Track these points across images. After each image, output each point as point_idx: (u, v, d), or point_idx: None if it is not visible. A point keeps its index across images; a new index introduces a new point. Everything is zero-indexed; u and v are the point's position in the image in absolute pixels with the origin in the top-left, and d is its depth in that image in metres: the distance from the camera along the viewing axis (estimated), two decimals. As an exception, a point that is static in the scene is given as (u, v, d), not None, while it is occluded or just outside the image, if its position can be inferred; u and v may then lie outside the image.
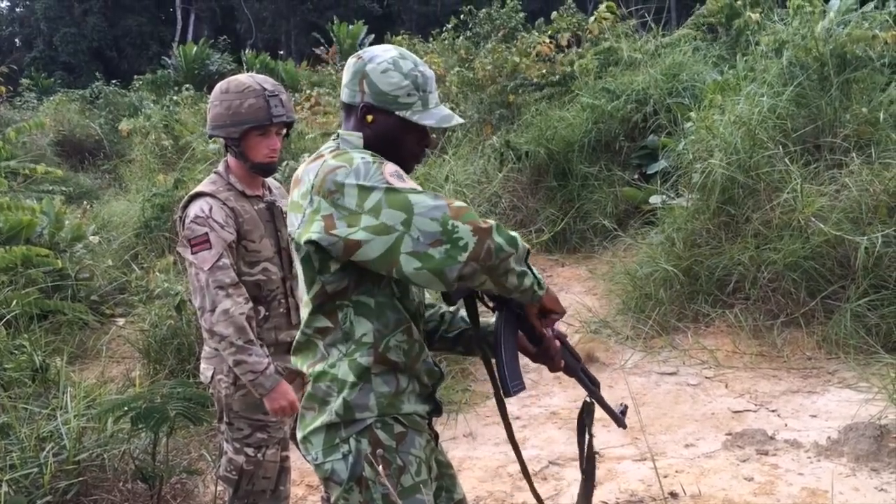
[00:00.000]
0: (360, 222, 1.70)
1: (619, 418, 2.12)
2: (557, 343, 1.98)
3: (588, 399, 2.08)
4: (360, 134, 1.89)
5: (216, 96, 2.74)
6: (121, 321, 6.26)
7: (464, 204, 1.70)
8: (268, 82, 2.74)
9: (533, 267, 1.79)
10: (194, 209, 2.68)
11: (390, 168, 1.75)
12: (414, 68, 1.88)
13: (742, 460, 3.79)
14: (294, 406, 2.66)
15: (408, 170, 1.91)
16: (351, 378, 1.82)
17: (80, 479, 3.14)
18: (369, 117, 1.88)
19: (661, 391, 4.71)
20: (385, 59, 1.87)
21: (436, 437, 2.02)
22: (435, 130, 1.78)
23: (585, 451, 2.06)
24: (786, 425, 4.12)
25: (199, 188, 2.75)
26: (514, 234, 1.73)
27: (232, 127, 2.69)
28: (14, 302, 5.07)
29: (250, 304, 2.66)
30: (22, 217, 6.35)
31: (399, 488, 1.81)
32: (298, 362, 1.93)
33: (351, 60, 1.93)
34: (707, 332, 5.26)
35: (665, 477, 3.66)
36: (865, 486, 3.42)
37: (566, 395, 4.78)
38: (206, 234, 2.62)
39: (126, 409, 3.16)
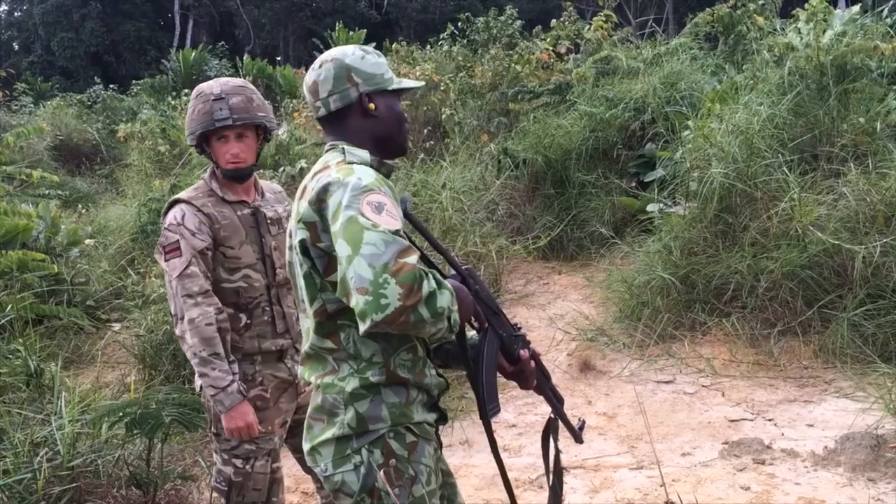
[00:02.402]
0: (334, 241, 1.71)
1: (577, 434, 2.14)
2: (532, 364, 1.98)
3: (552, 415, 2.08)
4: (367, 151, 1.89)
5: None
6: (116, 326, 6.25)
7: (413, 261, 1.63)
8: (227, 85, 2.69)
9: (453, 309, 1.71)
10: (169, 217, 2.68)
11: (373, 197, 1.70)
12: (374, 51, 1.98)
13: (739, 469, 3.78)
14: (252, 428, 2.60)
15: (406, 151, 1.99)
16: (360, 391, 1.80)
17: (74, 484, 3.12)
18: (371, 105, 1.90)
19: (657, 399, 4.70)
20: (351, 50, 1.95)
21: (440, 445, 2.01)
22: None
23: (552, 466, 2.04)
24: (782, 434, 4.12)
25: (179, 195, 2.74)
26: (443, 303, 1.66)
27: (189, 134, 2.71)
28: (9, 306, 5.05)
29: (224, 314, 2.61)
30: (18, 221, 6.35)
31: (410, 499, 1.80)
32: (306, 373, 1.91)
33: (322, 68, 1.92)
34: (704, 341, 5.25)
35: (661, 486, 3.64)
36: (862, 495, 3.41)
37: (563, 402, 4.76)
38: (178, 241, 2.60)
39: (121, 414, 3.14)
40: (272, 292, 2.77)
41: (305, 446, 1.88)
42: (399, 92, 1.96)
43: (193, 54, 20.17)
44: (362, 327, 1.62)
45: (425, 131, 8.88)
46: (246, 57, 20.25)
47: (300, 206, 1.83)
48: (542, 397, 2.08)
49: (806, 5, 6.49)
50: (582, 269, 6.90)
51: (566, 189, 7.42)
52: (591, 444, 4.10)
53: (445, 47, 11.76)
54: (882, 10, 6.45)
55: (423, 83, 2.11)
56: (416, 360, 1.85)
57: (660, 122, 6.87)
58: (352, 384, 1.80)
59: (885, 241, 4.79)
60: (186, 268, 2.58)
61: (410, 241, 1.72)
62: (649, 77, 7.47)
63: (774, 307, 5.10)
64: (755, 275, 5.15)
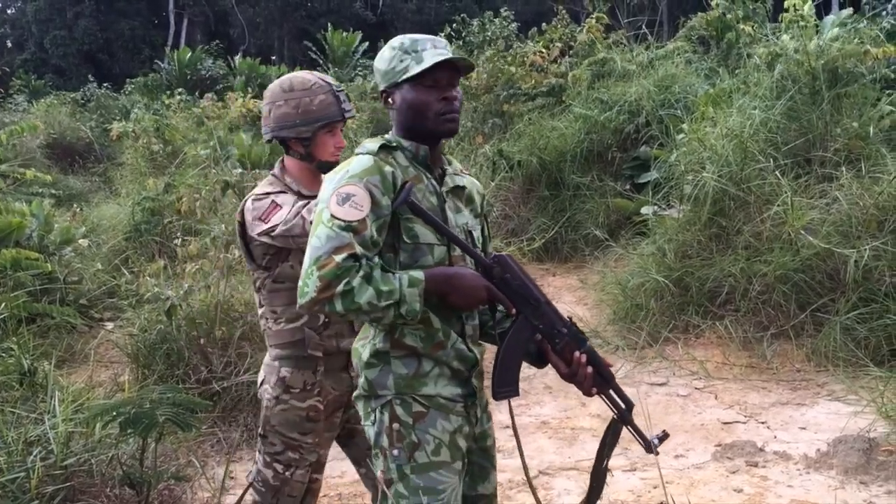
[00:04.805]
0: None
1: (647, 443, 2.11)
2: (589, 369, 1.99)
3: (615, 417, 2.10)
4: (379, 139, 1.99)
5: (278, 95, 2.61)
6: (110, 325, 6.22)
7: (339, 258, 1.76)
8: (328, 78, 2.66)
9: (407, 293, 1.80)
10: (254, 193, 2.59)
11: (345, 188, 1.84)
12: (403, 40, 1.99)
13: (732, 472, 3.79)
14: None
15: (444, 133, 1.98)
16: (371, 360, 1.94)
17: (68, 484, 3.11)
18: (390, 100, 2.00)
19: (650, 402, 4.71)
20: (383, 48, 2.02)
21: (475, 422, 2.04)
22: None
23: (604, 466, 2.07)
24: (775, 437, 4.13)
25: (255, 191, 2.64)
26: (363, 299, 1.76)
27: (303, 126, 2.58)
28: (2, 305, 5.03)
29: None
30: (11, 219, 6.32)
31: (413, 463, 1.88)
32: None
33: None
34: (697, 344, 5.27)
35: (655, 488, 3.65)
36: (854, 498, 3.42)
37: (556, 404, 4.77)
38: (272, 201, 2.51)
39: (114, 413, 3.13)
40: None
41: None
42: (417, 80, 1.93)
43: (189, 54, 20.13)
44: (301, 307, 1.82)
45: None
46: (238, 56, 20.22)
47: None
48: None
49: (786, 14, 6.48)
50: (576, 270, 6.92)
51: (561, 191, 7.45)
52: (585, 446, 4.11)
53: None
54: (877, 14, 6.47)
55: (443, 56, 1.92)
56: (431, 331, 1.91)
57: (654, 125, 6.90)
58: (367, 352, 1.95)
59: (876, 244, 4.81)
60: (291, 214, 2.43)
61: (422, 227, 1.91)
62: (644, 80, 7.50)
63: (767, 310, 5.13)
64: (748, 278, 5.17)
